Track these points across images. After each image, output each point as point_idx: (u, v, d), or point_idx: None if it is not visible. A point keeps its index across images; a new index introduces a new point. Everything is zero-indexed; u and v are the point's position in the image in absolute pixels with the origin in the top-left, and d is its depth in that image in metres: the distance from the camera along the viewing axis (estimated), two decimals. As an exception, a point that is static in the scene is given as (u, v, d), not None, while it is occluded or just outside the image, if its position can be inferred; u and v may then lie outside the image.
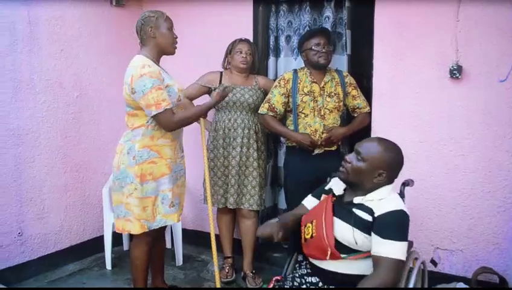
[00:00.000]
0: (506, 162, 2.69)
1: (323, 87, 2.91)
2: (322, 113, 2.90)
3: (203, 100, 3.28)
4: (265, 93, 3.15)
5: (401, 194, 2.20)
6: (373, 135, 2.97)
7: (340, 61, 3.23)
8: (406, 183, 2.28)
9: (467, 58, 2.72)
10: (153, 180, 2.42)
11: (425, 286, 2.27)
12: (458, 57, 2.73)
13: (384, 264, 1.73)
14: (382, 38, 2.97)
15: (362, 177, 1.87)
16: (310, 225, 1.94)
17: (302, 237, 2.00)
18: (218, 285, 2.71)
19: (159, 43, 2.46)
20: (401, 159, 1.94)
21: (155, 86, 2.30)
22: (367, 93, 3.07)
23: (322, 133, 2.89)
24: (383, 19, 2.96)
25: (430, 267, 2.86)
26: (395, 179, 1.97)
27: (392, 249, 1.74)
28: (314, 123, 2.89)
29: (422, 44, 2.85)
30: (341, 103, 2.95)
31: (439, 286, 2.78)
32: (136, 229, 2.46)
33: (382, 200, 1.85)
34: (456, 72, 2.71)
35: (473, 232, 2.81)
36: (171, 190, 2.49)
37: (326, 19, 3.20)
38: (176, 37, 2.53)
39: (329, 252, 1.84)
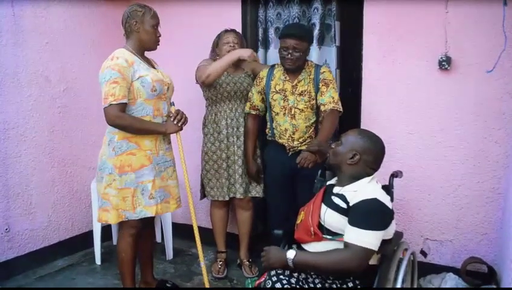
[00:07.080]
0: (495, 153, 2.70)
1: (295, 85, 2.80)
2: (292, 113, 2.79)
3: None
4: (254, 76, 3.09)
5: (390, 186, 2.21)
6: (362, 126, 2.97)
7: (329, 52, 3.21)
8: (394, 175, 2.29)
9: (456, 49, 2.72)
10: (131, 171, 2.41)
11: (415, 276, 2.29)
12: (447, 48, 2.74)
13: (351, 248, 1.77)
14: (371, 30, 2.96)
15: (339, 158, 2.01)
16: (303, 212, 2.07)
17: (296, 224, 2.10)
18: (206, 285, 2.68)
19: (142, 38, 2.47)
20: (378, 147, 2.00)
21: (111, 79, 2.31)
22: (356, 85, 3.05)
23: (293, 133, 2.80)
24: (372, 10, 2.94)
25: (420, 257, 2.89)
26: (376, 172, 2.00)
27: (357, 236, 1.77)
28: (284, 122, 2.80)
29: (411, 35, 2.84)
30: (313, 102, 2.78)
31: (428, 277, 2.80)
32: (114, 219, 2.46)
33: (358, 191, 1.89)
34: (445, 64, 2.71)
35: (462, 222, 2.83)
36: (152, 181, 2.46)
37: (315, 10, 3.18)
38: (159, 36, 2.52)
39: (312, 230, 1.91)
